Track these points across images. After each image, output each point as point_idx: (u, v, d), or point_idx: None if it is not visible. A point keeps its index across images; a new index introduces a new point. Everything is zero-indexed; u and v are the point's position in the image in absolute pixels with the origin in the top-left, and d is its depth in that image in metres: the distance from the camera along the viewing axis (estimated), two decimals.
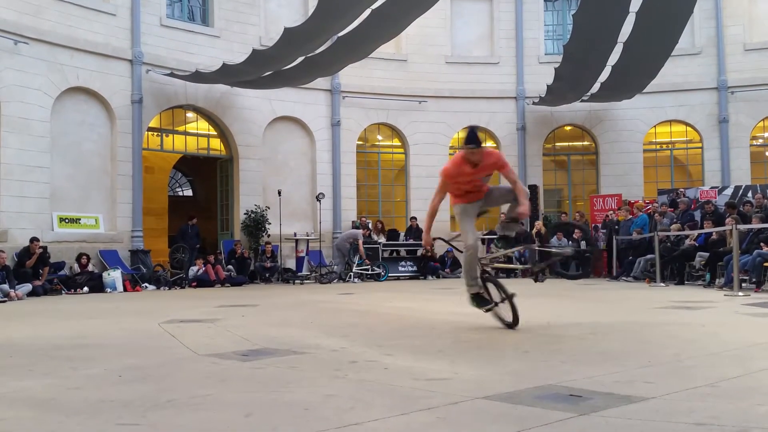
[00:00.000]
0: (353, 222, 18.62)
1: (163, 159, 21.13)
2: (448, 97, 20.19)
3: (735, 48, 19.57)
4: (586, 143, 21.31)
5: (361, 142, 20.20)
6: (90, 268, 14.32)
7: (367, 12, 13.17)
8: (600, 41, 15.02)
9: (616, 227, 16.75)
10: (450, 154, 20.36)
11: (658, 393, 3.23)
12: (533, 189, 20.01)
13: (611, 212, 17.80)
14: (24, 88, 14.20)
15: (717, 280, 12.29)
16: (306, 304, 9.75)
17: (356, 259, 17.00)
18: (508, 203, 6.33)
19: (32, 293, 12.49)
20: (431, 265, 18.38)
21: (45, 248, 13.44)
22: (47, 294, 12.88)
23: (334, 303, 9.91)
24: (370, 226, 18.82)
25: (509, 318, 6.00)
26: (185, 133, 18.31)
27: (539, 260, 6.55)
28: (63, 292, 13.43)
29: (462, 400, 3.13)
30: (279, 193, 16.90)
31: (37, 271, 13.07)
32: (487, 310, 6.12)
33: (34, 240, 13.16)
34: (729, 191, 17.11)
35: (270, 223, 17.58)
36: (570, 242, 18.09)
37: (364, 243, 17.52)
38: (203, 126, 18.32)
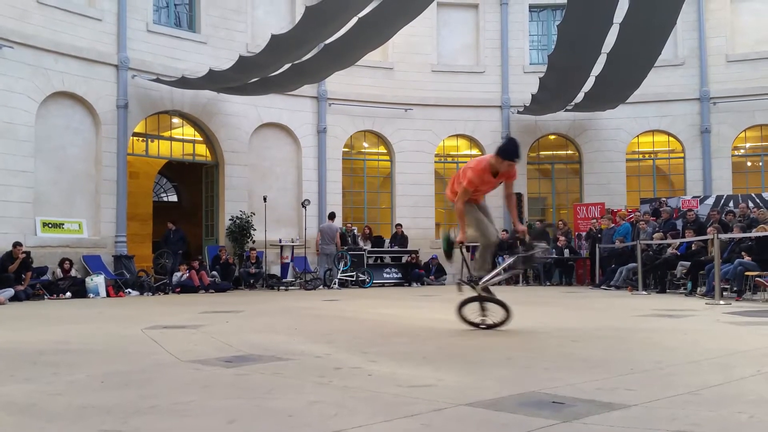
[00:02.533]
0: (330, 213, 18.32)
1: (148, 164, 21.04)
2: (433, 105, 20.26)
3: (717, 59, 19.79)
4: (569, 152, 21.44)
5: (347, 149, 20.22)
6: (73, 273, 14.22)
7: (354, 20, 13.22)
8: (584, 51, 15.16)
9: (599, 235, 16.86)
10: (436, 162, 20.48)
11: (639, 400, 3.25)
12: (518, 197, 20.09)
13: (594, 220, 17.92)
14: (8, 92, 14.11)
15: (698, 289, 12.39)
16: (290, 310, 9.72)
17: (341, 266, 17.00)
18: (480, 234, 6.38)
19: (14, 298, 12.37)
20: (416, 272, 18.41)
21: (28, 253, 13.34)
22: (30, 299, 12.78)
23: (319, 309, 9.89)
24: (356, 231, 18.84)
25: (498, 318, 6.18)
26: (171, 139, 18.24)
27: (523, 262, 6.69)
28: (45, 297, 13.33)
29: (445, 407, 3.14)
30: (264, 199, 16.89)
31: (19, 276, 12.96)
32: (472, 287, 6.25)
33: (17, 245, 13.04)
34: (711, 201, 17.28)
35: (255, 230, 17.55)
36: (553, 250, 18.25)
37: (349, 249, 17.55)
38: (189, 132, 18.26)
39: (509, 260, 6.72)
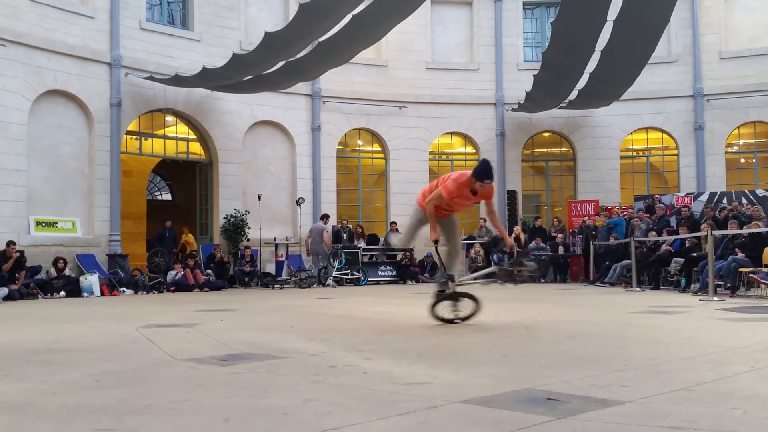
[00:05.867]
0: (322, 215, 18.35)
1: (142, 163, 20.99)
2: (428, 102, 20.26)
3: (711, 56, 19.83)
4: (564, 149, 21.48)
5: (341, 147, 20.20)
6: (67, 272, 14.18)
7: (348, 17, 13.20)
8: (578, 49, 15.17)
9: (594, 233, 16.90)
10: (431, 159, 20.48)
11: (634, 397, 3.26)
12: (512, 195, 20.16)
13: (587, 218, 17.97)
14: (1, 90, 14.05)
15: (692, 285, 12.43)
16: (285, 308, 9.72)
17: (336, 263, 16.99)
18: (448, 239, 6.78)
19: (8, 297, 12.33)
20: (411, 270, 18.41)
21: (22, 252, 13.29)
22: (23, 298, 12.73)
23: (314, 307, 9.89)
24: (351, 227, 18.82)
25: (469, 310, 6.51)
26: (164, 137, 18.20)
27: (506, 275, 6.85)
28: (39, 296, 13.28)
29: (440, 404, 3.14)
30: (259, 197, 16.86)
31: (13, 275, 12.91)
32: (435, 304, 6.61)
33: (10, 243, 13.00)
34: (704, 197, 17.34)
35: (249, 228, 17.52)
36: (548, 246, 18.32)
37: (345, 247, 17.53)
38: (183, 130, 18.22)
39: (492, 268, 6.97)
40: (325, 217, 17.76)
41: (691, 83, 19.89)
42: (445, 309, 6.56)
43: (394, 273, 18.46)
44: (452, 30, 20.99)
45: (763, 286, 10.93)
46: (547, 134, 21.29)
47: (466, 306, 6.51)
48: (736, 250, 11.69)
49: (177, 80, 15.89)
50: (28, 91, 14.55)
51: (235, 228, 17.54)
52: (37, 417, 3.07)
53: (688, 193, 18.13)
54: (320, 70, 16.65)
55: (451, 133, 20.85)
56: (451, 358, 4.78)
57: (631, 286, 13.77)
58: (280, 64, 15.29)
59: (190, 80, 15.79)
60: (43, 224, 14.76)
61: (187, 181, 20.77)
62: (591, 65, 16.08)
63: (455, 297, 6.52)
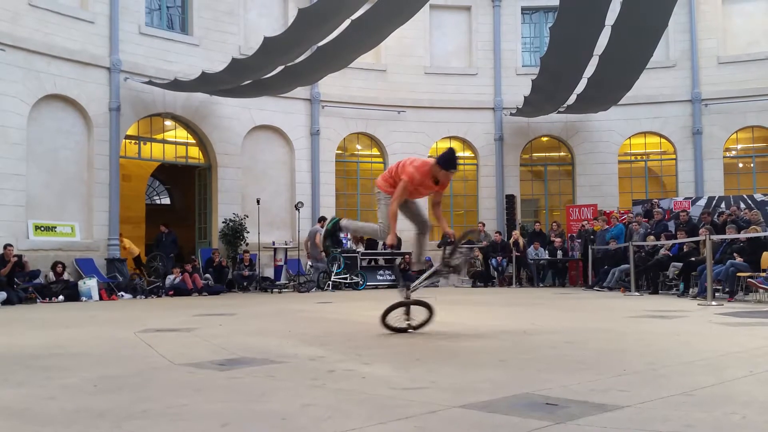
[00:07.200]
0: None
1: (141, 167, 20.99)
2: (426, 107, 20.29)
3: (709, 61, 19.87)
4: (562, 154, 21.50)
5: (340, 152, 20.22)
6: (65, 276, 14.16)
7: (347, 22, 13.22)
8: (576, 54, 15.19)
9: (592, 237, 16.91)
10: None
11: (632, 401, 3.26)
12: (511, 199, 20.17)
13: (585, 222, 17.99)
14: (0, 95, 14.05)
15: (690, 290, 12.43)
16: (284, 312, 9.71)
17: (335, 268, 16.98)
18: (414, 223, 6.52)
19: (7, 302, 12.33)
20: (409, 274, 18.37)
21: (20, 257, 13.28)
22: (22, 302, 12.73)
23: (313, 312, 9.88)
24: (350, 235, 18.78)
25: (422, 317, 6.24)
26: (163, 141, 18.21)
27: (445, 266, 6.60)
28: (38, 300, 13.26)
29: (439, 409, 3.15)
30: (258, 201, 16.87)
31: (11, 279, 12.90)
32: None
33: (7, 246, 12.99)
34: (702, 202, 17.37)
35: (248, 232, 17.51)
36: (546, 251, 18.32)
37: (343, 252, 17.51)
38: (182, 134, 18.23)
39: (434, 267, 6.72)
40: (321, 220, 17.73)
41: (689, 88, 19.92)
42: (396, 318, 6.34)
43: (393, 277, 18.45)
44: (451, 35, 21.04)
45: (761, 290, 10.94)
46: (545, 139, 21.32)
47: (419, 314, 6.30)
48: (735, 254, 11.70)
49: (176, 85, 15.91)
50: (27, 96, 14.56)
51: (234, 232, 17.53)
52: (36, 422, 3.07)
53: (686, 198, 18.15)
54: (319, 74, 16.66)
55: (450, 138, 20.86)
56: (450, 362, 4.77)
57: (630, 291, 13.76)
58: (279, 68, 15.31)
59: (189, 85, 15.81)
60: (42, 228, 14.75)
61: (186, 186, 20.77)
62: (589, 70, 16.10)
63: (407, 304, 6.31)
